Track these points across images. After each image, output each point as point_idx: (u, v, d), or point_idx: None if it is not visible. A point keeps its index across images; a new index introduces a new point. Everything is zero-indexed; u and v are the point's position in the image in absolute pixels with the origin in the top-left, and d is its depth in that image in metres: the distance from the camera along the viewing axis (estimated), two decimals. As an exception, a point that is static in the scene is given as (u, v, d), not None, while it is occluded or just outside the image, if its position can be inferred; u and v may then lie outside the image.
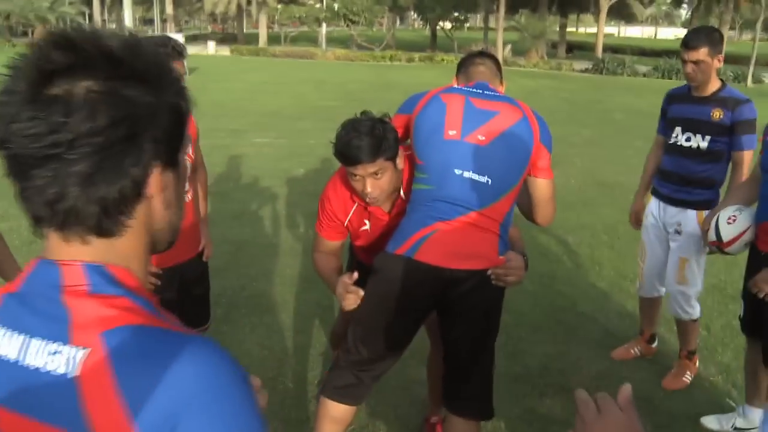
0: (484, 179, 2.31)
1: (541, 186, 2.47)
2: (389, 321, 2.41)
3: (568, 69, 30.01)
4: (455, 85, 2.60)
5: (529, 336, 4.21)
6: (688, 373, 3.66)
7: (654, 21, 78.45)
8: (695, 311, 3.63)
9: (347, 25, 37.62)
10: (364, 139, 2.29)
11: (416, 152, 2.44)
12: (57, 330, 0.77)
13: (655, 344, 4.04)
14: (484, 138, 2.33)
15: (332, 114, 10.67)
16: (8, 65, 0.78)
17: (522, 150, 2.37)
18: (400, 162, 2.44)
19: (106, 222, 0.79)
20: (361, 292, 2.35)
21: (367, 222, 2.63)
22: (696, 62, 3.31)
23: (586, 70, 29.22)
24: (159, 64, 0.82)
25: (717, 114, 3.34)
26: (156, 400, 0.72)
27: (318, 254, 2.73)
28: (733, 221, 2.94)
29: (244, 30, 48.81)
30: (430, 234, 2.31)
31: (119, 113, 0.76)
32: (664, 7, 64.93)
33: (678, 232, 3.55)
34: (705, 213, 3.41)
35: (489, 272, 2.32)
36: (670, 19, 73.61)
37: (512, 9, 37.12)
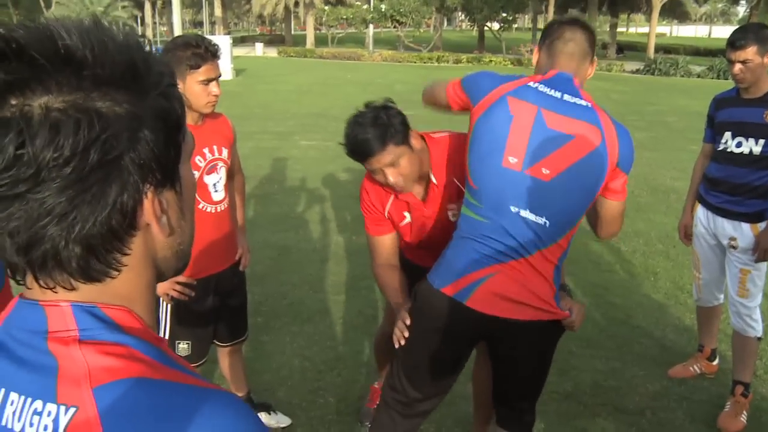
0: (542, 220, 2.04)
1: (611, 207, 2.20)
2: (433, 361, 2.27)
3: (618, 70, 29.37)
4: (530, 83, 2.10)
5: (580, 351, 4.01)
6: (744, 412, 3.36)
7: (708, 19, 76.40)
8: (759, 326, 3.38)
9: (394, 27, 37.51)
10: (369, 131, 2.23)
11: (469, 168, 2.13)
12: (42, 384, 0.64)
13: (716, 362, 3.79)
14: (549, 172, 2.01)
15: (378, 116, 10.50)
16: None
17: (591, 184, 2.07)
18: (416, 143, 2.32)
19: (94, 264, 0.65)
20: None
21: (406, 215, 2.50)
22: (744, 62, 3.10)
23: (637, 71, 28.54)
24: (136, 60, 0.65)
25: None
26: None
27: (379, 268, 2.55)
28: None
29: (292, 31, 49.19)
30: (484, 279, 2.08)
31: (90, 134, 0.60)
32: (720, 5, 63.12)
33: (734, 247, 3.32)
34: (760, 225, 3.20)
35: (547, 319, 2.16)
36: (726, 17, 71.54)
37: (562, 9, 36.59)
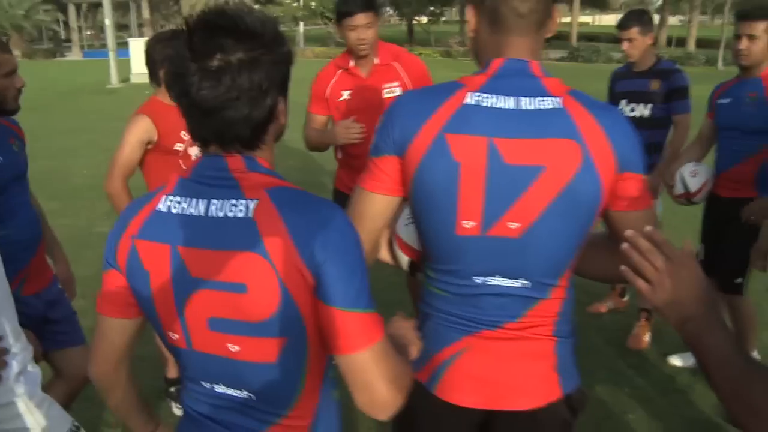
0: (518, 283, 1.50)
1: (637, 221, 1.41)
2: None
3: (543, 58, 30.26)
4: (468, 98, 1.44)
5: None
6: (648, 333, 4.01)
7: (628, 8, 79.22)
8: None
9: (324, 23, 37.91)
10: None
11: (420, 230, 1.59)
12: (232, 193, 1.18)
13: (626, 298, 4.47)
14: (518, 225, 1.44)
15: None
16: (169, 39, 1.23)
17: (581, 217, 1.46)
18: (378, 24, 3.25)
19: (255, 140, 1.21)
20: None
21: (343, 93, 3.37)
22: (630, 40, 3.79)
23: (561, 59, 29.76)
24: (275, 28, 1.19)
25: (654, 84, 3.81)
26: (309, 227, 1.15)
27: (308, 129, 3.51)
28: (695, 174, 3.41)
29: (222, 32, 48.76)
30: (455, 356, 1.58)
31: (262, 73, 1.15)
32: (637, -5, 65.77)
33: None
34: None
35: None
36: (643, 6, 74.58)
37: (487, 1, 37.56)
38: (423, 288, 1.67)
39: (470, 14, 1.53)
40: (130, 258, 1.24)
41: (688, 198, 3.50)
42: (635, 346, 3.93)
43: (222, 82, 1.12)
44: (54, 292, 2.58)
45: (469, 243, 1.47)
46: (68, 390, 2.53)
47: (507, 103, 1.42)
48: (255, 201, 1.16)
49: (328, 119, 3.50)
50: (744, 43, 3.23)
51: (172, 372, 3.33)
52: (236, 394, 1.26)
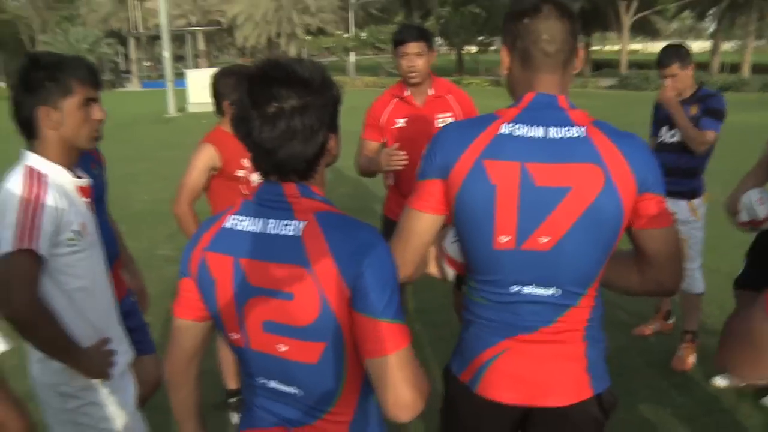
0: (550, 291, 1.69)
1: (658, 238, 1.70)
2: None
3: (593, 86, 30.38)
4: (503, 129, 1.65)
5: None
6: (693, 354, 4.05)
7: (680, 35, 78.34)
8: (699, 284, 4.08)
9: (375, 54, 38.53)
10: (413, 27, 3.57)
11: (464, 245, 1.78)
12: (286, 214, 1.40)
13: (671, 320, 4.51)
14: (548, 239, 1.64)
15: (366, 137, 11.18)
16: (232, 75, 1.43)
17: (607, 234, 1.65)
18: (432, 58, 3.50)
19: (308, 171, 1.42)
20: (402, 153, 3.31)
21: (398, 120, 3.58)
22: (672, 76, 3.90)
23: (611, 87, 29.60)
24: (323, 75, 1.40)
25: (693, 110, 3.88)
26: (347, 247, 1.36)
27: (360, 156, 3.70)
28: (763, 202, 3.43)
29: (274, 62, 49.86)
30: (492, 359, 1.77)
31: (313, 116, 1.36)
32: (688, 21, 64.89)
33: (674, 220, 4.03)
34: (695, 201, 3.97)
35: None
36: (696, 32, 73.46)
37: (536, 30, 37.62)
38: (466, 298, 1.87)
39: (504, 54, 1.73)
40: (200, 267, 1.47)
41: (753, 225, 3.52)
42: (680, 367, 3.98)
43: (278, 126, 1.34)
44: (129, 304, 2.82)
45: (505, 256, 1.67)
46: (140, 395, 2.75)
47: (537, 132, 1.63)
48: (304, 222, 1.38)
49: (381, 146, 3.66)
50: None
51: (232, 384, 3.53)
52: (287, 390, 1.48)
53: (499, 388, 1.76)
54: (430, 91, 3.57)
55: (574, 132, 1.62)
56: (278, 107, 1.34)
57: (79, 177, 2.14)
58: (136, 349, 2.78)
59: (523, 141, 1.62)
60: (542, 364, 1.73)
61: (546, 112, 1.65)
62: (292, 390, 1.47)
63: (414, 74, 3.47)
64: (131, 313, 2.81)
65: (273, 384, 1.49)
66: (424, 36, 3.47)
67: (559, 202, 1.61)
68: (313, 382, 1.44)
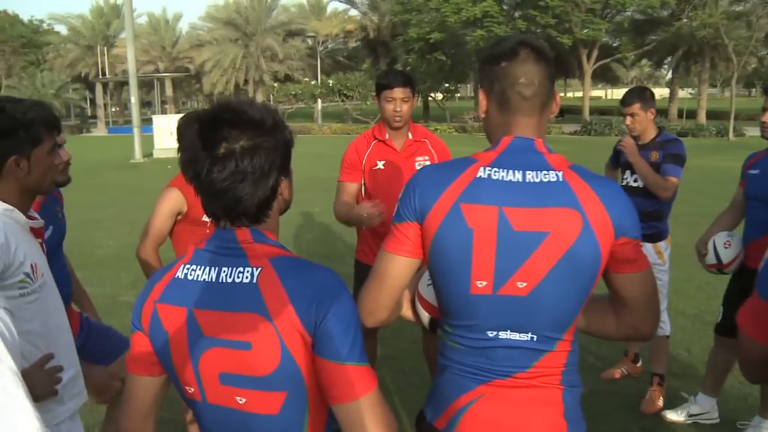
0: (527, 336, 1.67)
1: (634, 281, 1.70)
2: None
3: (558, 132, 31.00)
4: (480, 172, 1.64)
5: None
6: (661, 398, 4.06)
7: (639, 82, 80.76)
8: (666, 326, 4.12)
9: (342, 101, 38.88)
10: (399, 73, 3.63)
11: (437, 289, 1.75)
12: (239, 261, 1.36)
13: (639, 364, 4.52)
14: (525, 284, 1.62)
15: (332, 184, 11.07)
16: (186, 134, 1.39)
17: (583, 278, 1.63)
18: (413, 104, 3.56)
19: (260, 214, 1.39)
20: (382, 205, 3.18)
21: (379, 162, 3.58)
22: (632, 115, 3.98)
23: (575, 132, 30.27)
24: (275, 117, 1.37)
25: (654, 156, 3.95)
26: (306, 292, 1.33)
27: (338, 203, 3.65)
28: (729, 246, 3.51)
29: (242, 108, 50.00)
30: (471, 403, 1.72)
31: (264, 157, 1.33)
32: (646, 69, 67.02)
33: None
34: (660, 243, 4.02)
35: None
36: (654, 80, 75.86)
37: (500, 77, 38.46)
38: (441, 342, 1.82)
39: (482, 97, 1.73)
40: (152, 320, 1.42)
41: (719, 269, 3.58)
42: (649, 409, 3.98)
43: (227, 167, 1.30)
44: (80, 340, 2.80)
45: (481, 301, 1.63)
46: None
47: (515, 176, 1.61)
48: (259, 268, 1.35)
49: (360, 187, 3.67)
50: None
51: (195, 434, 3.44)
52: None
53: None
54: (409, 135, 3.64)
55: (552, 176, 1.61)
56: (228, 148, 1.31)
57: (31, 218, 2.09)
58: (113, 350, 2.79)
59: (501, 185, 1.60)
60: (519, 410, 1.69)
61: (524, 156, 1.64)
62: None
63: (399, 119, 3.53)
64: (81, 350, 2.82)
65: None
66: (410, 82, 3.54)
67: (537, 246, 1.58)
68: None
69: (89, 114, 50.34)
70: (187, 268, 1.40)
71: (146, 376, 1.47)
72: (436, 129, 32.25)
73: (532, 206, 1.59)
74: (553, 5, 32.03)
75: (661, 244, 4.03)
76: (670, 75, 45.42)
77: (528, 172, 1.61)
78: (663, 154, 3.92)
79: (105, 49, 45.19)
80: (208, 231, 3.12)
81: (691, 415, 3.83)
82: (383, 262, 1.70)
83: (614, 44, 40.12)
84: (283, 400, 1.35)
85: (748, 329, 1.67)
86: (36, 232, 2.10)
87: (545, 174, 1.61)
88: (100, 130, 42.48)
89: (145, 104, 53.57)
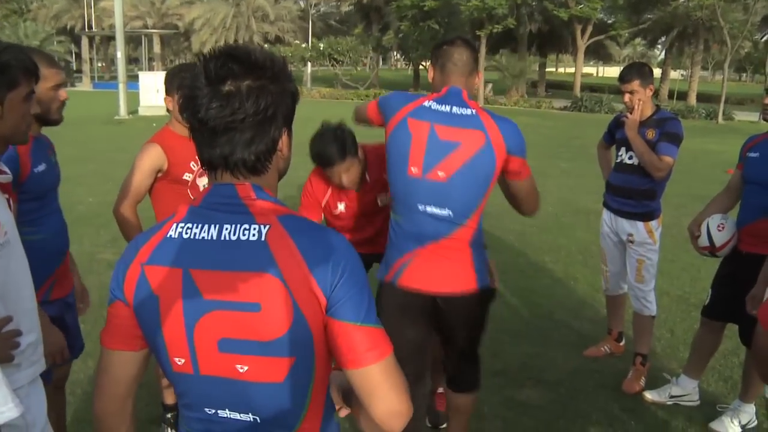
0: (445, 212, 2.54)
1: (518, 187, 2.67)
2: (399, 338, 2.35)
3: (547, 107, 30.87)
4: (426, 102, 2.58)
5: (509, 339, 4.63)
6: (643, 378, 4.03)
7: (632, 60, 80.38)
8: (653, 306, 4.07)
9: (332, 65, 38.43)
10: (332, 146, 3.07)
11: (388, 177, 2.70)
12: (244, 218, 1.25)
13: (622, 343, 4.48)
14: (444, 174, 2.50)
15: (321, 147, 11.07)
16: (188, 71, 1.25)
17: (484, 176, 2.53)
18: (360, 153, 3.16)
19: (259, 166, 1.28)
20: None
21: (339, 205, 3.33)
22: (631, 92, 3.86)
23: (564, 108, 30.09)
24: (281, 65, 1.27)
25: (650, 133, 3.83)
26: (320, 252, 1.24)
27: None
28: (722, 228, 3.44)
29: (231, 69, 49.33)
30: (408, 261, 2.62)
31: (269, 100, 1.23)
32: (639, 48, 66.71)
33: (631, 242, 4.02)
34: (651, 222, 3.94)
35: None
36: (646, 59, 75.66)
37: (493, 49, 38.29)
38: (391, 219, 2.72)
39: (430, 69, 2.74)
40: (138, 285, 1.28)
41: (712, 251, 3.52)
42: (630, 390, 3.94)
43: (230, 104, 1.20)
44: (72, 299, 2.71)
45: (414, 181, 2.55)
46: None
47: (445, 108, 2.56)
48: (267, 226, 1.24)
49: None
50: None
51: (169, 398, 3.36)
52: (241, 418, 1.30)
53: (414, 280, 2.62)
54: (367, 178, 3.28)
55: (468, 111, 2.55)
56: (233, 85, 1.20)
57: (1, 172, 1.96)
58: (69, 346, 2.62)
59: (437, 112, 2.56)
60: (442, 264, 2.59)
61: (453, 98, 2.58)
62: (248, 418, 1.29)
63: (351, 186, 3.23)
64: (72, 310, 2.75)
65: (224, 414, 1.30)
66: (345, 153, 3.09)
67: (452, 151, 2.51)
68: (276, 405, 1.28)
69: (74, 68, 49.36)
70: (182, 227, 1.27)
71: (125, 351, 1.33)
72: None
73: (453, 125, 2.52)
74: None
75: (653, 224, 3.96)
76: (662, 55, 45.25)
77: (455, 107, 2.55)
78: (659, 133, 3.82)
79: (92, 1, 44.23)
80: (189, 190, 3.04)
81: (672, 396, 3.80)
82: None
83: (609, 21, 39.80)
84: (289, 367, 1.25)
85: None
86: (3, 188, 1.96)
87: (465, 109, 2.55)
88: (85, 85, 41.73)
89: (132, 60, 52.69)
